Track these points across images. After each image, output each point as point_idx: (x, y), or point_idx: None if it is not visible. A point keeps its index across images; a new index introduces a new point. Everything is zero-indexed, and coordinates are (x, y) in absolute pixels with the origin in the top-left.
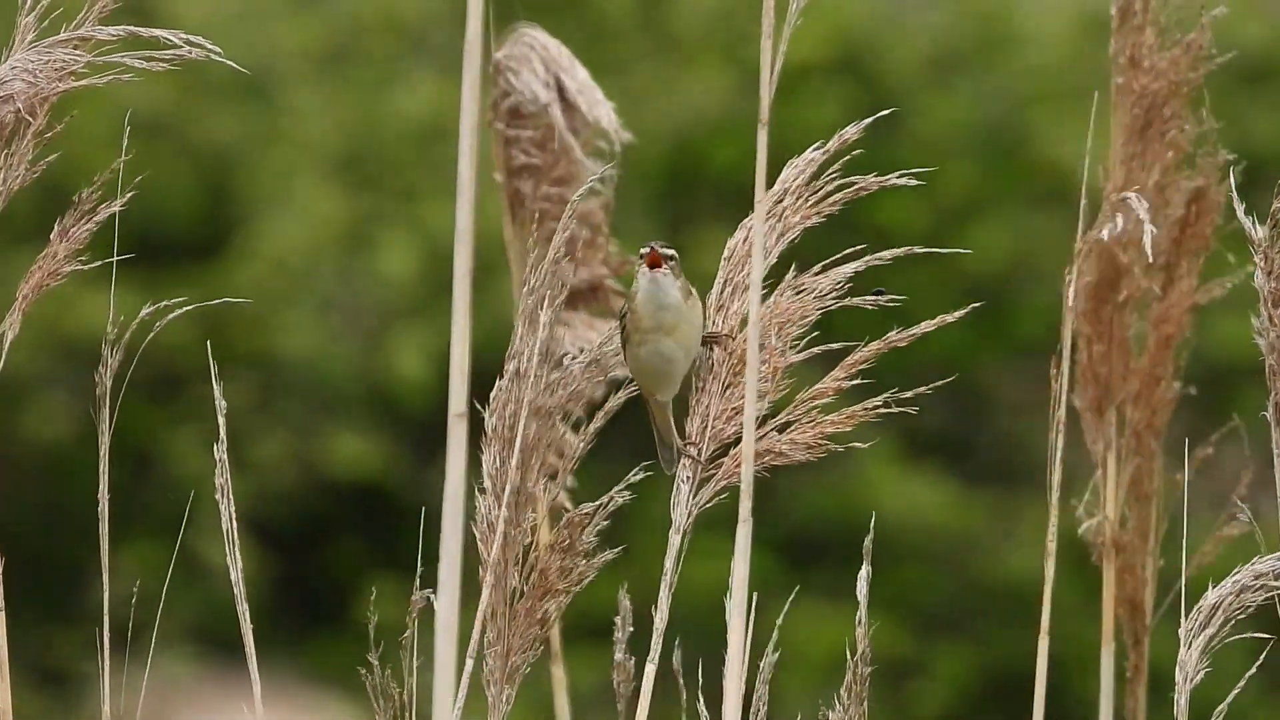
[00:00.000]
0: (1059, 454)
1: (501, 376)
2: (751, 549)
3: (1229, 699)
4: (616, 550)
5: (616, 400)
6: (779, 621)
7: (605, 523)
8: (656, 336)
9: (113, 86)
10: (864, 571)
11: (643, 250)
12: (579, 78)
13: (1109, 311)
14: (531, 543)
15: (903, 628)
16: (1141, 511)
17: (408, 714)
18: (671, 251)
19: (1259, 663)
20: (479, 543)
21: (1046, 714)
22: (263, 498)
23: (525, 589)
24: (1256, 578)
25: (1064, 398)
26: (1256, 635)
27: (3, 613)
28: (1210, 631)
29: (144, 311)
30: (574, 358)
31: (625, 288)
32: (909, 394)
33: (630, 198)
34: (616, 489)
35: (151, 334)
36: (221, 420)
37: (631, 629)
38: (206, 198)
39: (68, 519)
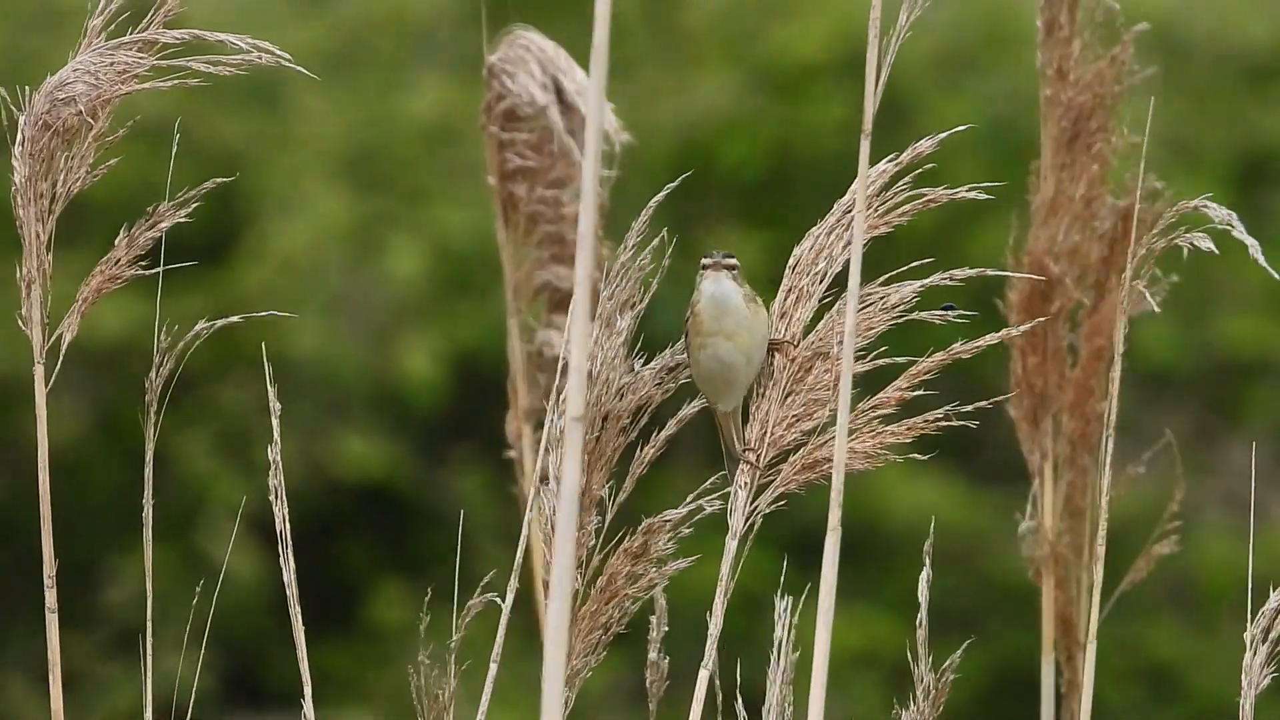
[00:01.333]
0: (1109, 458)
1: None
2: (759, 548)
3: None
4: (691, 559)
5: (690, 408)
6: (794, 620)
7: (689, 529)
8: (716, 341)
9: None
10: (924, 574)
11: (705, 259)
12: (577, 79)
13: (1042, 323)
14: (595, 545)
15: (911, 627)
16: (1075, 526)
17: (447, 716)
18: (734, 260)
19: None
20: (543, 544)
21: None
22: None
23: (587, 593)
24: None
25: (1114, 406)
26: None
27: (56, 614)
28: (1275, 635)
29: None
30: (645, 363)
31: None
32: (969, 408)
33: (636, 196)
34: (706, 498)
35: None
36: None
37: (666, 628)
38: (215, 199)
39: (78, 520)
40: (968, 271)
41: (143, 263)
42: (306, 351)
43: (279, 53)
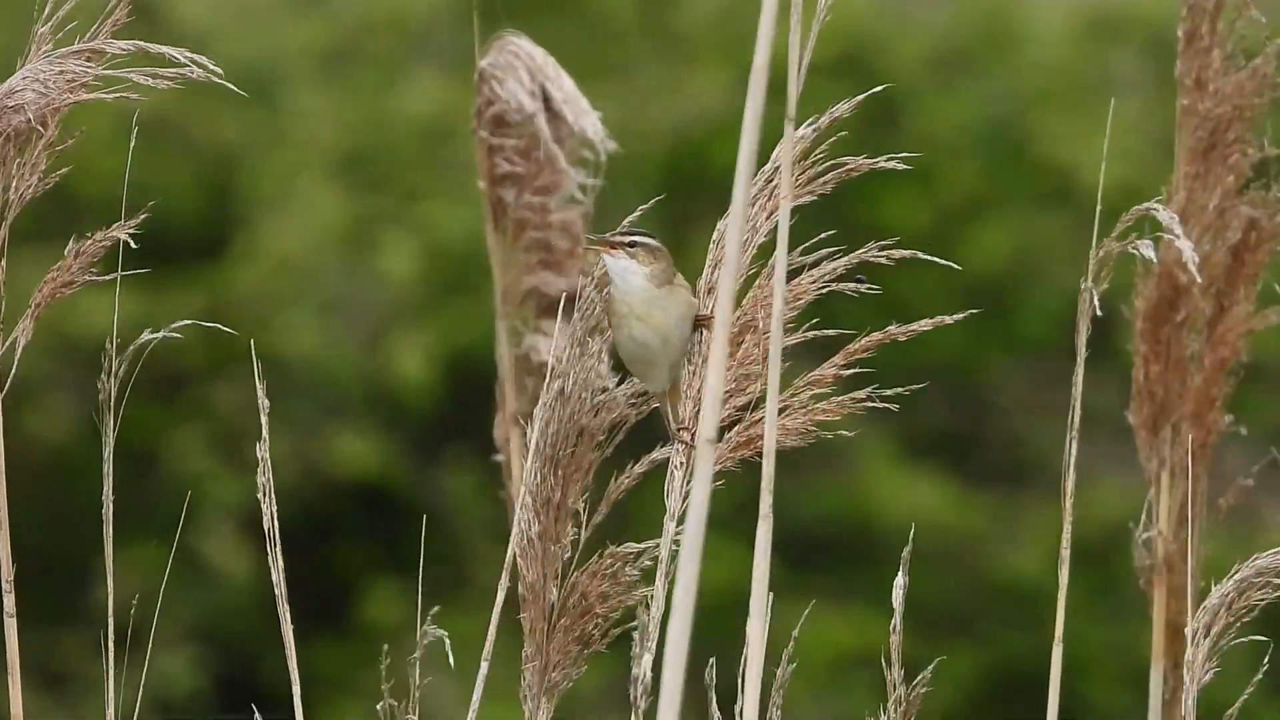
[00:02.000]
0: (1073, 459)
1: (545, 393)
2: (747, 547)
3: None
4: (651, 589)
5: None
6: (795, 632)
7: (650, 563)
8: (629, 322)
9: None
10: (900, 580)
11: (600, 237)
12: (565, 87)
13: (1167, 331)
14: (572, 559)
15: (907, 629)
16: (1184, 534)
17: None
18: (640, 239)
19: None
20: (519, 558)
21: (1044, 715)
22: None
23: (566, 606)
24: (1259, 574)
25: (1078, 408)
26: (1257, 639)
27: (15, 619)
28: (1216, 630)
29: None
30: (620, 383)
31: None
32: (892, 390)
33: (630, 197)
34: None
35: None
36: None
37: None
38: (209, 198)
39: (70, 520)
40: (899, 253)
41: (94, 269)
42: (301, 351)
43: (213, 68)
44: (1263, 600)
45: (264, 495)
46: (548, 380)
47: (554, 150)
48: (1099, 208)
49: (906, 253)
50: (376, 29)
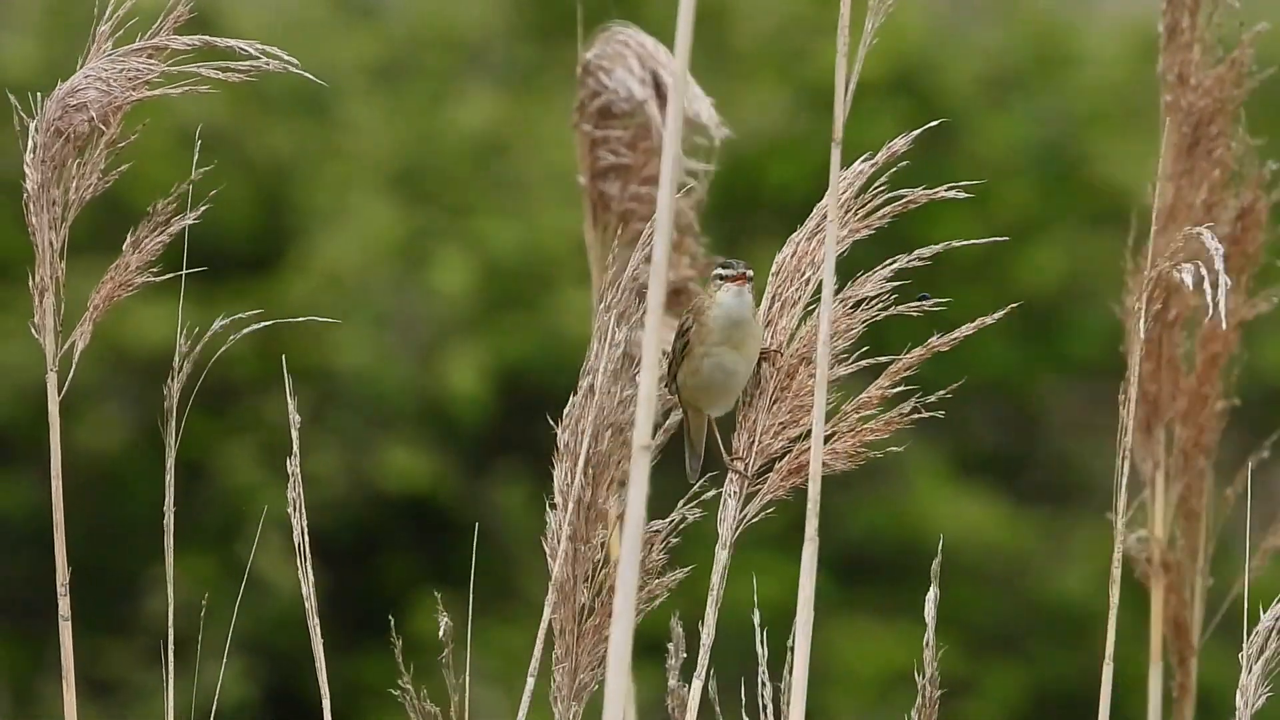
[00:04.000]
0: (1124, 479)
1: (575, 392)
2: (795, 565)
3: None
4: (687, 569)
5: (676, 416)
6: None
7: (676, 540)
8: (721, 350)
9: (168, 99)
10: (931, 593)
11: (725, 269)
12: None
13: (1158, 330)
14: (601, 559)
15: (954, 646)
16: (1189, 531)
17: None
18: (748, 270)
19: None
20: (548, 558)
21: None
22: (314, 510)
23: (594, 606)
24: None
25: (1130, 423)
26: None
27: (70, 622)
28: (1269, 654)
29: (217, 324)
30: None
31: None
32: (935, 396)
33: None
34: (687, 505)
35: (221, 348)
36: (295, 435)
37: (684, 654)
38: (262, 211)
39: (119, 529)
40: (934, 248)
41: (154, 269)
42: (353, 365)
43: (288, 59)
44: None
45: (294, 510)
46: (580, 378)
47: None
48: (1153, 228)
49: (939, 247)
50: (429, 43)
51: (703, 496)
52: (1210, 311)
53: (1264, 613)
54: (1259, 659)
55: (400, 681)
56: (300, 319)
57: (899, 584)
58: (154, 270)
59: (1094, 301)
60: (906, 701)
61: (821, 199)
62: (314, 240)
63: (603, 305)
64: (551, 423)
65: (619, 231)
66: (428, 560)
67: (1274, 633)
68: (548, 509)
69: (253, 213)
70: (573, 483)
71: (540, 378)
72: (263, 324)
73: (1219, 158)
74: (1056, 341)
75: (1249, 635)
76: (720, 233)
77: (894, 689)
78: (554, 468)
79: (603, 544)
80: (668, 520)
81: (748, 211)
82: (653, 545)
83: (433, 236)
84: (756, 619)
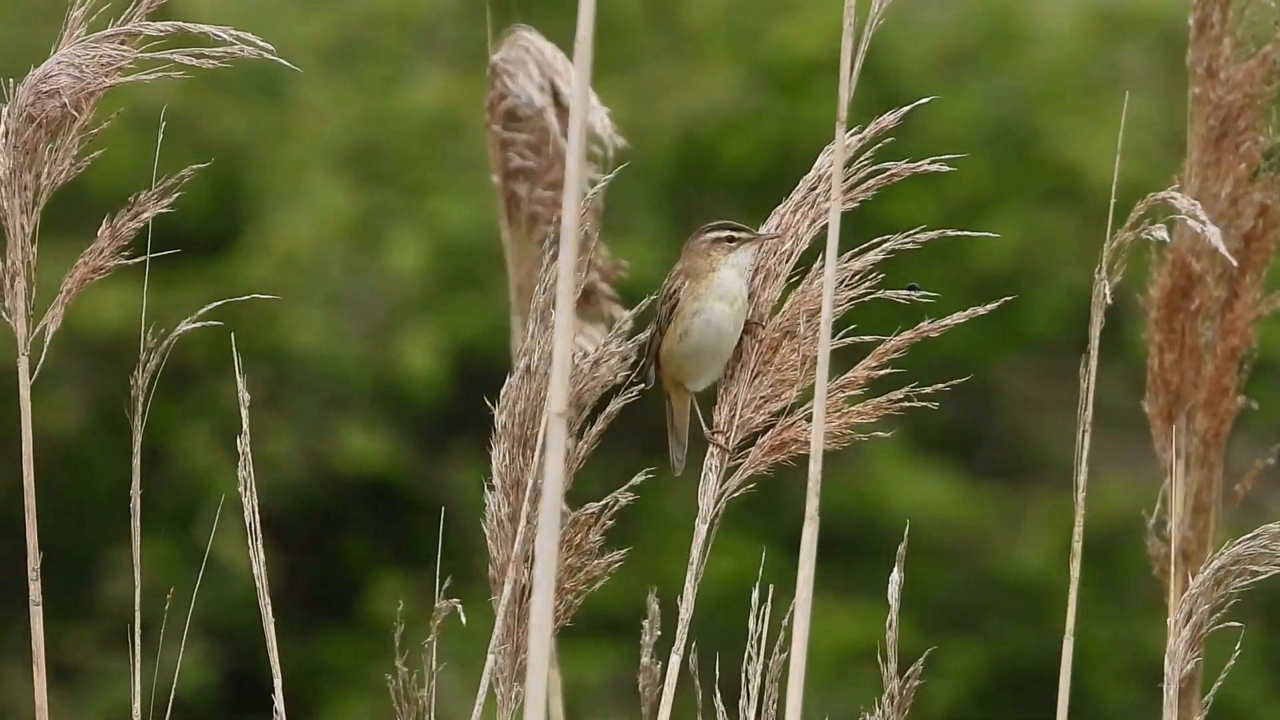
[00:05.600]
0: (1085, 454)
1: (512, 374)
2: (758, 541)
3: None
4: (624, 551)
5: (617, 404)
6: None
7: (611, 523)
8: (716, 306)
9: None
10: (895, 576)
11: (737, 232)
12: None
13: (1181, 320)
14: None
15: (912, 623)
16: (1197, 523)
17: (428, 717)
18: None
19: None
20: (489, 540)
21: (1049, 711)
22: (271, 492)
23: (532, 585)
24: (1236, 561)
25: (1090, 398)
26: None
27: (40, 607)
28: (1196, 620)
29: (183, 326)
30: (584, 356)
31: (615, 293)
32: (928, 389)
33: (640, 192)
34: (621, 490)
35: (174, 334)
36: (244, 414)
37: (659, 631)
38: (217, 192)
39: (76, 513)
40: (929, 234)
41: (125, 253)
42: (308, 346)
43: (262, 44)
44: (1243, 586)
45: (244, 489)
46: (515, 359)
47: (563, 144)
48: (1113, 200)
49: (934, 234)
50: (383, 23)
51: (637, 480)
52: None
53: (1193, 578)
54: (1187, 624)
55: (388, 678)
56: (247, 297)
57: (857, 562)
58: (125, 254)
59: (1048, 278)
60: (864, 679)
61: (776, 175)
62: (269, 221)
63: (539, 287)
64: (489, 404)
65: (529, 232)
66: (385, 541)
67: (1201, 597)
68: (485, 490)
69: (208, 194)
70: (510, 463)
71: (495, 357)
72: (215, 304)
73: (1246, 152)
74: (1011, 318)
75: (1176, 600)
76: (673, 211)
77: (852, 666)
78: (491, 449)
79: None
80: (601, 503)
81: (701, 189)
82: (589, 527)
83: (387, 216)
84: (755, 596)
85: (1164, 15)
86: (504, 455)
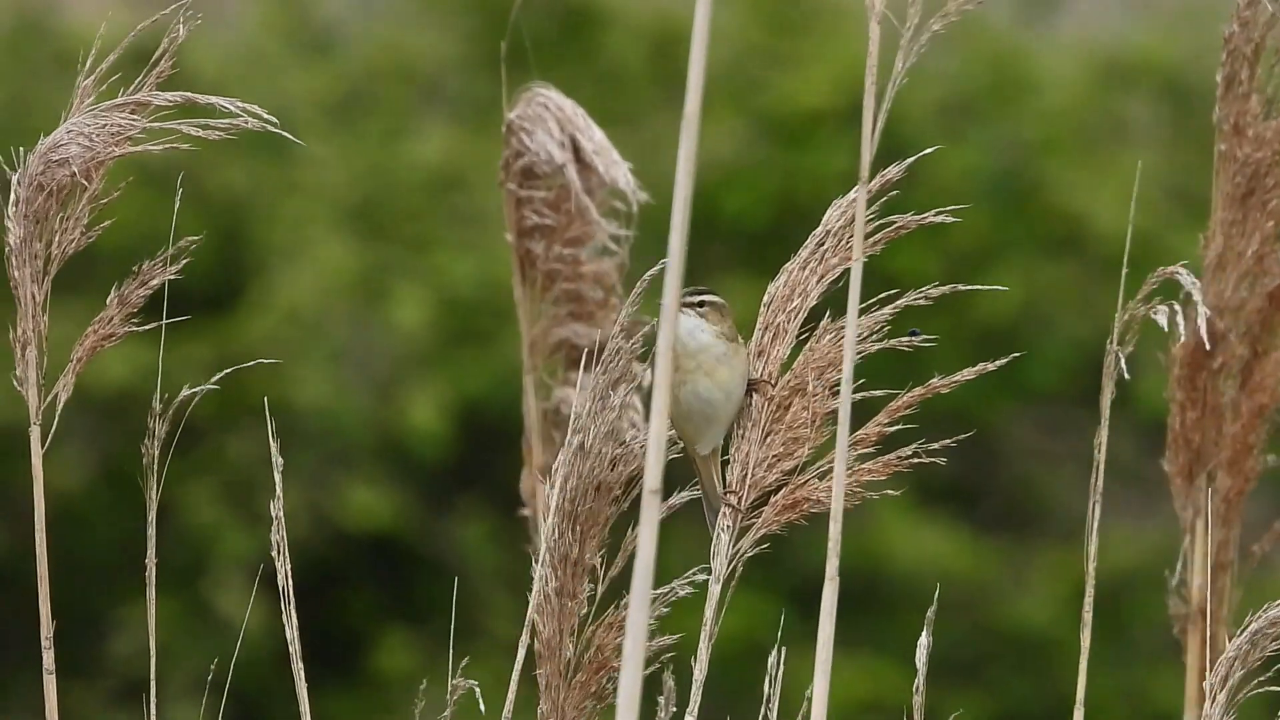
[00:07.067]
0: (1096, 522)
1: (564, 450)
2: (762, 596)
3: None
4: (676, 637)
5: (679, 497)
6: (778, 673)
7: (666, 609)
8: (696, 378)
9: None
10: (923, 640)
11: (691, 297)
12: (595, 138)
13: (1203, 378)
14: (588, 614)
15: (911, 675)
16: (1214, 581)
17: None
18: (708, 298)
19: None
20: (534, 613)
21: None
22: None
23: (580, 662)
24: (1271, 624)
25: (1102, 464)
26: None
27: (54, 675)
28: (1233, 683)
29: (186, 390)
30: (635, 437)
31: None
32: (937, 445)
33: (645, 248)
34: (678, 582)
35: (180, 397)
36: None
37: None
38: (220, 247)
39: (83, 570)
40: (941, 289)
41: (135, 319)
42: (312, 402)
43: (267, 117)
44: (1278, 649)
45: (278, 553)
46: (569, 435)
47: (585, 201)
48: (1124, 270)
49: (946, 288)
50: (384, 78)
51: (699, 578)
52: (1182, 338)
53: (1229, 642)
54: (1223, 688)
55: None
56: (253, 363)
57: (860, 615)
58: (135, 320)
59: (1050, 329)
60: None
61: (779, 226)
62: (272, 277)
63: (599, 369)
64: (540, 478)
65: (545, 290)
66: (389, 597)
67: (1237, 661)
68: (533, 564)
69: (211, 249)
70: (559, 538)
71: (500, 412)
72: (225, 371)
73: (1273, 209)
74: (1013, 369)
75: (1213, 664)
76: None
77: None
78: (542, 521)
79: (589, 598)
80: (660, 590)
81: (704, 241)
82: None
83: (390, 271)
84: (774, 658)
85: (1168, 66)
86: (554, 529)
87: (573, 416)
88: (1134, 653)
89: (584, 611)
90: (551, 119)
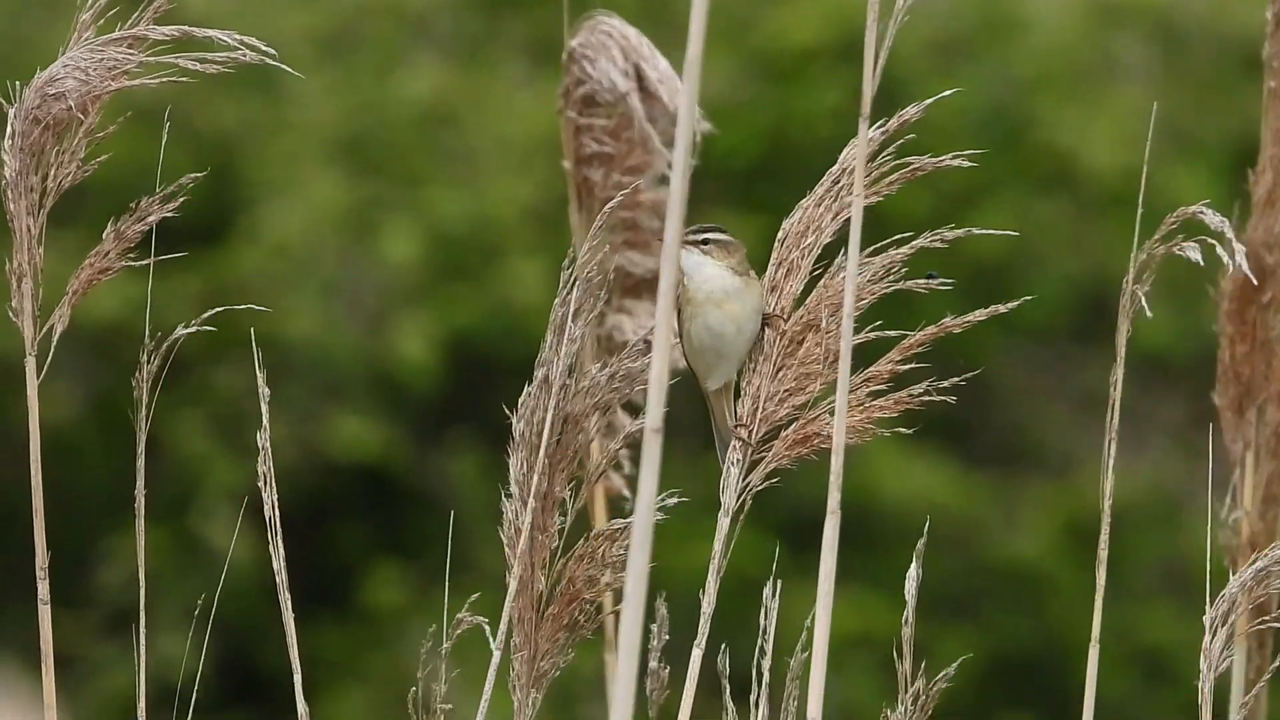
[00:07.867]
0: (1111, 460)
1: (530, 382)
2: (753, 532)
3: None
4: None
5: (634, 425)
6: (807, 622)
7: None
8: (705, 310)
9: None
10: (912, 572)
11: (695, 235)
12: (659, 67)
13: (1254, 312)
14: (558, 548)
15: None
16: (1266, 514)
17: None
18: (712, 235)
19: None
20: (505, 547)
21: (1044, 699)
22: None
23: (553, 595)
24: (1278, 562)
25: (1117, 403)
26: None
27: (49, 605)
28: (1234, 619)
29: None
30: (602, 368)
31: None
32: (946, 383)
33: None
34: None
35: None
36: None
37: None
38: (210, 183)
39: (72, 502)
40: (956, 232)
41: (131, 254)
42: (301, 335)
43: (265, 49)
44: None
45: (265, 484)
46: (534, 369)
47: (648, 130)
48: (1139, 210)
49: (960, 232)
50: (375, 14)
51: (671, 503)
52: (1231, 268)
53: (1233, 575)
54: (1224, 624)
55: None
56: (243, 306)
57: (851, 550)
58: (132, 255)
59: (1041, 266)
60: (855, 666)
61: (769, 163)
62: (262, 211)
63: (558, 300)
64: (507, 411)
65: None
66: (379, 530)
67: (1238, 598)
68: (504, 499)
69: (201, 185)
70: (530, 472)
71: (489, 347)
72: (215, 311)
73: None
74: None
75: (1213, 600)
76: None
77: (843, 654)
78: (509, 457)
79: (560, 532)
80: (627, 521)
81: (695, 178)
82: (614, 540)
83: (381, 207)
84: (768, 591)
85: (1158, 6)
86: (522, 464)
87: (540, 350)
88: (1123, 589)
89: (555, 545)
90: (615, 47)
